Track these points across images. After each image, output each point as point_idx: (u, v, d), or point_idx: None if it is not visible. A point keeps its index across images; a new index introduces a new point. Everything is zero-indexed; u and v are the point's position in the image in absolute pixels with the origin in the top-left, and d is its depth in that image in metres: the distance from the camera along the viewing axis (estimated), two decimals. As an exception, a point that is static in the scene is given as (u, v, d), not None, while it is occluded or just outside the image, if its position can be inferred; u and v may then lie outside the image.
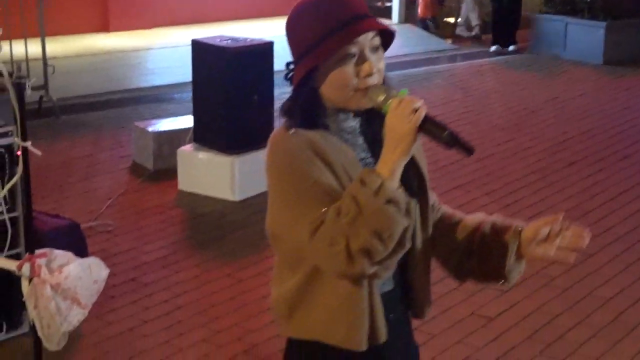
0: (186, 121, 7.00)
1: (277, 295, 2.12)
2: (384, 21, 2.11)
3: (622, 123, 8.57)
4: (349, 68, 1.98)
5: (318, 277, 2.01)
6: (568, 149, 7.74)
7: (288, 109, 2.06)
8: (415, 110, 1.89)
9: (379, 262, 1.93)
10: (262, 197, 6.30)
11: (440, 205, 2.28)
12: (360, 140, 2.09)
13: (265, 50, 6.40)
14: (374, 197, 1.87)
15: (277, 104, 8.18)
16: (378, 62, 2.01)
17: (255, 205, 6.23)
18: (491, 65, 11.38)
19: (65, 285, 3.04)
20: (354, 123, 2.07)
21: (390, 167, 1.91)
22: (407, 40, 12.31)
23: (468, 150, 1.90)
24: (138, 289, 4.99)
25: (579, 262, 5.34)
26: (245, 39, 6.55)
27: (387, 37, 2.07)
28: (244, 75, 6.26)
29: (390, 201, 1.88)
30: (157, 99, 9.16)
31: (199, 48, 6.47)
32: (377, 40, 2.02)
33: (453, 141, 1.89)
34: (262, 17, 13.10)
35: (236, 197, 6.30)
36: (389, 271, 2.04)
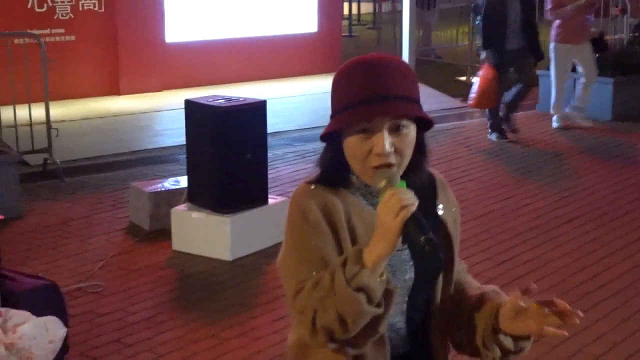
0: (184, 181, 7.02)
1: (288, 343, 2.25)
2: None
3: (626, 179, 8.49)
4: (357, 141, 2.02)
5: None
6: (569, 205, 7.67)
7: (317, 162, 2.17)
8: (405, 207, 1.90)
9: (349, 343, 2.01)
10: (255, 257, 6.31)
11: (465, 276, 2.36)
12: None
13: (257, 109, 6.44)
14: (347, 282, 1.92)
15: (272, 163, 8.28)
16: (399, 143, 2.03)
17: (247, 265, 6.21)
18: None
19: (19, 344, 3.02)
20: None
21: (373, 257, 1.93)
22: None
23: (437, 259, 1.95)
24: (121, 350, 4.95)
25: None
26: (238, 98, 6.59)
27: (424, 119, 2.11)
28: (236, 135, 6.28)
29: (361, 289, 1.92)
30: (161, 160, 9.20)
31: (192, 107, 6.51)
32: (400, 122, 2.03)
33: (428, 247, 1.91)
34: (275, 79, 13.21)
35: (229, 256, 6.27)
36: (360, 349, 2.05)
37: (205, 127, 6.37)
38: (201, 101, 6.51)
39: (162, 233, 6.71)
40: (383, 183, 1.98)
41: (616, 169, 8.87)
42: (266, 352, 4.94)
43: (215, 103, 6.37)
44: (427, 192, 2.19)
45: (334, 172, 2.11)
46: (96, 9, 11.74)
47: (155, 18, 12.22)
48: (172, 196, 6.87)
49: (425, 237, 1.90)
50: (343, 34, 16.92)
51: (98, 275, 6.01)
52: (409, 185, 2.01)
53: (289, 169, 8.77)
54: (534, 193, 8.00)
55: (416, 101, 2.08)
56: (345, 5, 21.14)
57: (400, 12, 13.73)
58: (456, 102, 12.81)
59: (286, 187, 7.89)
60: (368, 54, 2.17)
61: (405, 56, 13.31)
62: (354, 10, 21.74)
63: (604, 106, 11.03)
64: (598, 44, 10.57)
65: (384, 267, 1.96)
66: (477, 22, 10.60)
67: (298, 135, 10.21)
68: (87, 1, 11.66)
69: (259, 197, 6.50)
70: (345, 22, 19.74)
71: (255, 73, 12.97)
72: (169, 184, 7.15)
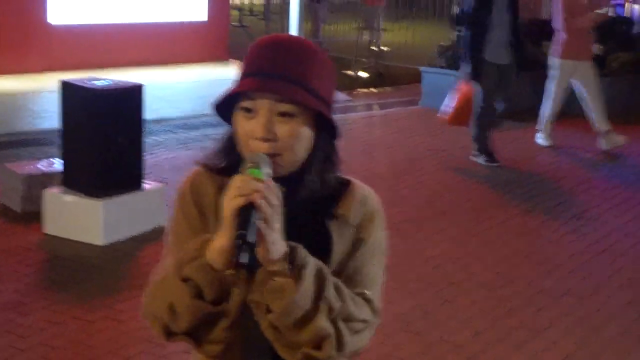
0: (59, 164, 6.87)
1: None
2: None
3: (502, 173, 8.71)
4: (240, 120, 1.88)
5: None
6: (444, 197, 7.82)
7: (211, 154, 2.02)
8: (242, 196, 1.74)
9: (194, 340, 1.87)
10: (129, 242, 6.23)
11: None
12: None
13: (134, 92, 6.36)
14: (172, 271, 1.86)
15: (152, 149, 8.19)
16: (282, 131, 1.85)
17: (120, 250, 6.13)
18: (381, 117, 11.51)
19: None
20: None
21: (214, 246, 1.80)
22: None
23: (236, 262, 1.73)
24: (-19, 331, 4.82)
25: (437, 305, 5.37)
26: (115, 81, 6.48)
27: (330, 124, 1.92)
28: (111, 117, 6.19)
29: (189, 280, 1.82)
30: (38, 142, 8.99)
31: (68, 89, 6.38)
32: (284, 107, 1.85)
33: (237, 244, 1.72)
34: (161, 65, 13.07)
35: (101, 241, 6.17)
36: (206, 351, 1.90)
37: (81, 109, 6.25)
38: (77, 82, 6.40)
39: (34, 216, 6.55)
40: (247, 166, 1.81)
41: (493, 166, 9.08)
42: (133, 334, 4.87)
43: (91, 85, 6.27)
44: (326, 201, 1.96)
45: (220, 153, 1.98)
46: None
47: (37, -1, 11.95)
48: (45, 178, 6.72)
49: (239, 233, 1.72)
50: (234, 24, 16.87)
51: (-38, 257, 5.84)
52: (293, 189, 1.87)
53: (168, 155, 8.68)
54: (411, 185, 8.14)
55: (312, 92, 1.88)
56: (237, -5, 21.10)
57: (289, 3, 13.78)
58: (342, 96, 12.92)
59: (164, 174, 7.80)
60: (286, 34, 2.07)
61: (293, 48, 13.37)
62: (246, 1, 21.70)
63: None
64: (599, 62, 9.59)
65: (228, 261, 1.78)
66: (459, 33, 9.63)
67: (182, 122, 10.12)
68: (-33, -23, 11.32)
69: (133, 183, 6.42)
70: (236, 13, 19.69)
71: (141, 59, 12.81)
72: (42, 165, 6.99)
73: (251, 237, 1.72)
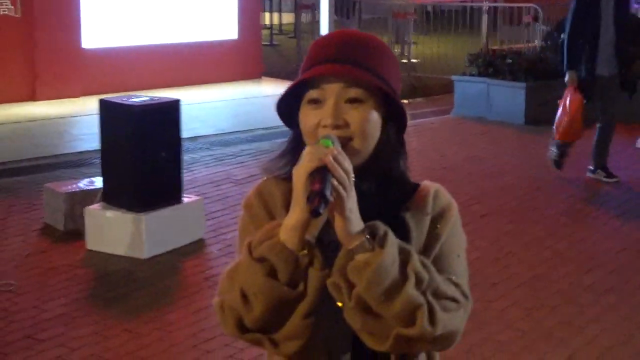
0: (99, 182, 6.99)
1: None
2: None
3: (538, 179, 8.70)
4: (307, 112, 1.82)
5: None
6: (482, 202, 7.84)
7: (279, 156, 1.95)
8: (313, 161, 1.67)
9: (271, 340, 1.75)
10: (170, 255, 6.31)
11: None
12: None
13: (171, 107, 6.47)
14: (246, 252, 1.75)
15: (189, 166, 8.29)
16: (352, 117, 1.79)
17: (163, 263, 6.21)
18: (415, 127, 11.55)
19: None
20: None
21: (287, 223, 1.72)
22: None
23: (314, 211, 1.63)
24: (32, 345, 4.91)
25: (482, 307, 5.39)
26: (153, 98, 6.60)
27: (396, 109, 1.86)
28: (150, 133, 6.29)
29: (262, 260, 1.71)
30: (78, 163, 9.12)
31: (106, 107, 6.50)
32: (354, 92, 1.80)
33: (309, 201, 1.64)
34: (195, 85, 13.20)
35: (144, 254, 6.26)
36: (281, 349, 1.77)
37: (120, 125, 6.36)
38: (116, 100, 6.51)
39: (77, 233, 6.65)
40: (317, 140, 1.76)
41: (528, 169, 9.08)
42: (182, 344, 4.94)
43: (130, 102, 6.38)
44: (397, 195, 1.90)
45: (284, 158, 1.90)
46: (13, 14, 11.61)
47: (72, 24, 12.13)
48: (87, 196, 6.83)
49: (313, 191, 1.63)
50: (265, 43, 16.99)
51: (12, 275, 5.95)
52: (363, 180, 1.80)
53: (206, 171, 8.78)
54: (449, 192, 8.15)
55: (382, 79, 1.83)
56: (267, 15, 21.23)
57: (319, 21, 13.88)
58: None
59: (202, 189, 7.91)
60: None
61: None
62: (275, 21, 21.84)
63: (517, 111, 11.28)
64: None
65: (302, 240, 1.71)
66: (560, 40, 8.58)
67: (217, 139, 10.22)
68: (4, 6, 11.53)
69: (173, 196, 6.51)
70: (267, 32, 19.83)
71: (174, 79, 12.95)
72: (83, 184, 7.10)
73: (329, 194, 1.64)
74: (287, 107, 1.88)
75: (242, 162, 9.15)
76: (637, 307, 5.56)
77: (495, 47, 14.27)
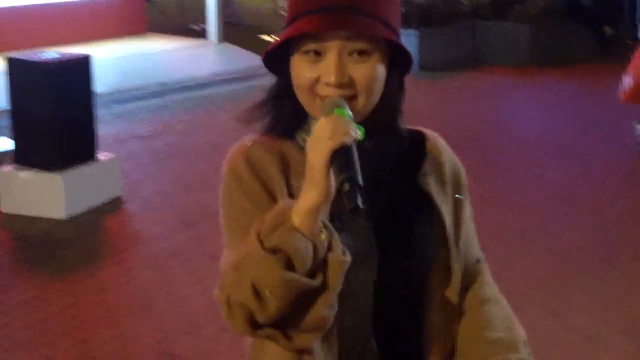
0: (9, 143, 6.71)
1: (248, 341, 1.72)
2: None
3: (434, 123, 8.81)
4: (304, 65, 1.58)
5: None
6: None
7: (261, 107, 1.69)
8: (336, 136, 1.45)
9: (286, 335, 1.54)
10: (89, 214, 6.15)
11: (480, 268, 1.83)
12: None
13: (83, 63, 6.28)
14: (256, 243, 1.49)
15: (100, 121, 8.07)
16: (357, 73, 1.57)
17: (83, 223, 6.06)
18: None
19: None
20: None
21: (300, 210, 1.48)
22: (227, 59, 12.33)
23: (353, 207, 1.42)
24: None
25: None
26: (63, 54, 6.39)
27: (400, 53, 1.63)
28: (63, 90, 6.09)
29: (278, 251, 1.47)
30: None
31: (16, 65, 6.23)
32: (359, 45, 1.57)
33: (347, 188, 1.43)
34: (79, 42, 12.81)
35: (63, 215, 6.07)
36: (300, 343, 1.56)
37: (31, 83, 6.11)
38: (26, 57, 6.28)
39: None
40: (329, 108, 1.53)
41: (424, 116, 9.19)
42: (122, 306, 4.84)
43: (42, 59, 6.16)
44: (406, 157, 1.73)
45: (282, 116, 1.67)
46: None
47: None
48: (-4, 159, 6.58)
49: (346, 177, 1.43)
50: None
51: None
52: (373, 147, 1.65)
53: (107, 129, 8.52)
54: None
55: (387, 24, 1.60)
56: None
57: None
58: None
59: (109, 148, 7.65)
60: None
61: (212, 20, 13.31)
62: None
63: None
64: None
65: (321, 225, 1.49)
66: None
67: (111, 97, 9.94)
68: None
69: (88, 154, 6.33)
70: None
71: (59, 38, 12.53)
72: (-8, 146, 6.84)
73: (360, 179, 1.43)
74: (278, 50, 1.63)
75: (142, 119, 8.98)
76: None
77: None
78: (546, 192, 6.79)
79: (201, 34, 13.98)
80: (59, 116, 6.09)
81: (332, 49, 1.56)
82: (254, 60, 12.55)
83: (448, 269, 1.71)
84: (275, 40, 1.62)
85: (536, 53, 12.00)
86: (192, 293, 4.91)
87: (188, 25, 14.70)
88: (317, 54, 1.58)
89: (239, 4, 17.10)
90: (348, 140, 1.45)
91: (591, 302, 4.84)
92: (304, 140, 1.59)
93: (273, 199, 1.60)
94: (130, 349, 4.34)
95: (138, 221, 6.17)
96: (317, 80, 1.58)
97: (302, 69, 1.59)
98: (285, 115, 1.66)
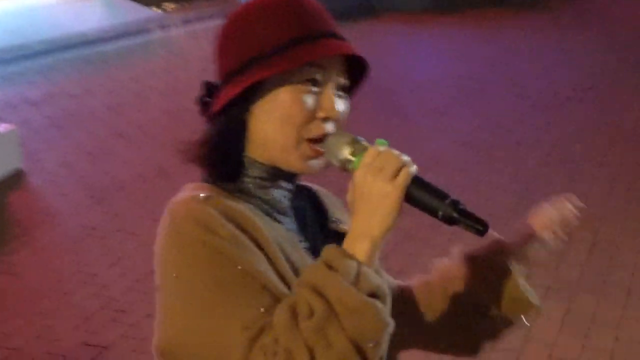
0: None
1: None
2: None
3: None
4: (303, 95, 1.39)
5: None
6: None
7: (197, 157, 1.43)
8: (400, 169, 1.32)
9: None
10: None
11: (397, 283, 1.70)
12: (289, 219, 1.48)
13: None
14: (352, 289, 1.26)
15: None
16: (341, 104, 1.42)
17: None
18: (206, 30, 11.25)
19: None
20: (286, 192, 1.46)
21: (365, 245, 1.30)
22: (112, 11, 11.88)
23: (479, 226, 1.31)
24: None
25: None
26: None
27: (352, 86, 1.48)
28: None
29: (374, 295, 1.28)
30: None
31: None
32: (344, 81, 1.43)
33: (457, 215, 1.31)
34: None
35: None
36: None
37: None
38: None
39: None
40: (347, 150, 1.37)
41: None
42: (39, 289, 4.59)
43: None
44: (308, 204, 1.60)
45: (229, 165, 1.42)
46: None
47: None
48: None
49: (450, 201, 1.32)
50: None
51: None
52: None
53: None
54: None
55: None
56: None
57: None
58: (152, 11, 12.47)
59: (1, 114, 7.30)
60: None
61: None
62: None
63: None
64: None
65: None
66: None
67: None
68: None
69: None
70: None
71: None
72: None
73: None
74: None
75: (31, 82, 8.57)
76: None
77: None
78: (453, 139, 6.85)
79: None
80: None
81: (331, 78, 1.41)
82: (143, 12, 12.16)
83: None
84: (267, 69, 1.38)
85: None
86: (112, 274, 4.70)
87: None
88: (316, 84, 1.40)
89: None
90: (414, 169, 1.32)
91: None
92: (257, 185, 1.43)
93: (259, 246, 1.35)
94: (51, 337, 4.10)
95: (44, 196, 5.88)
96: (313, 115, 1.39)
97: (299, 100, 1.38)
98: (232, 164, 1.43)
